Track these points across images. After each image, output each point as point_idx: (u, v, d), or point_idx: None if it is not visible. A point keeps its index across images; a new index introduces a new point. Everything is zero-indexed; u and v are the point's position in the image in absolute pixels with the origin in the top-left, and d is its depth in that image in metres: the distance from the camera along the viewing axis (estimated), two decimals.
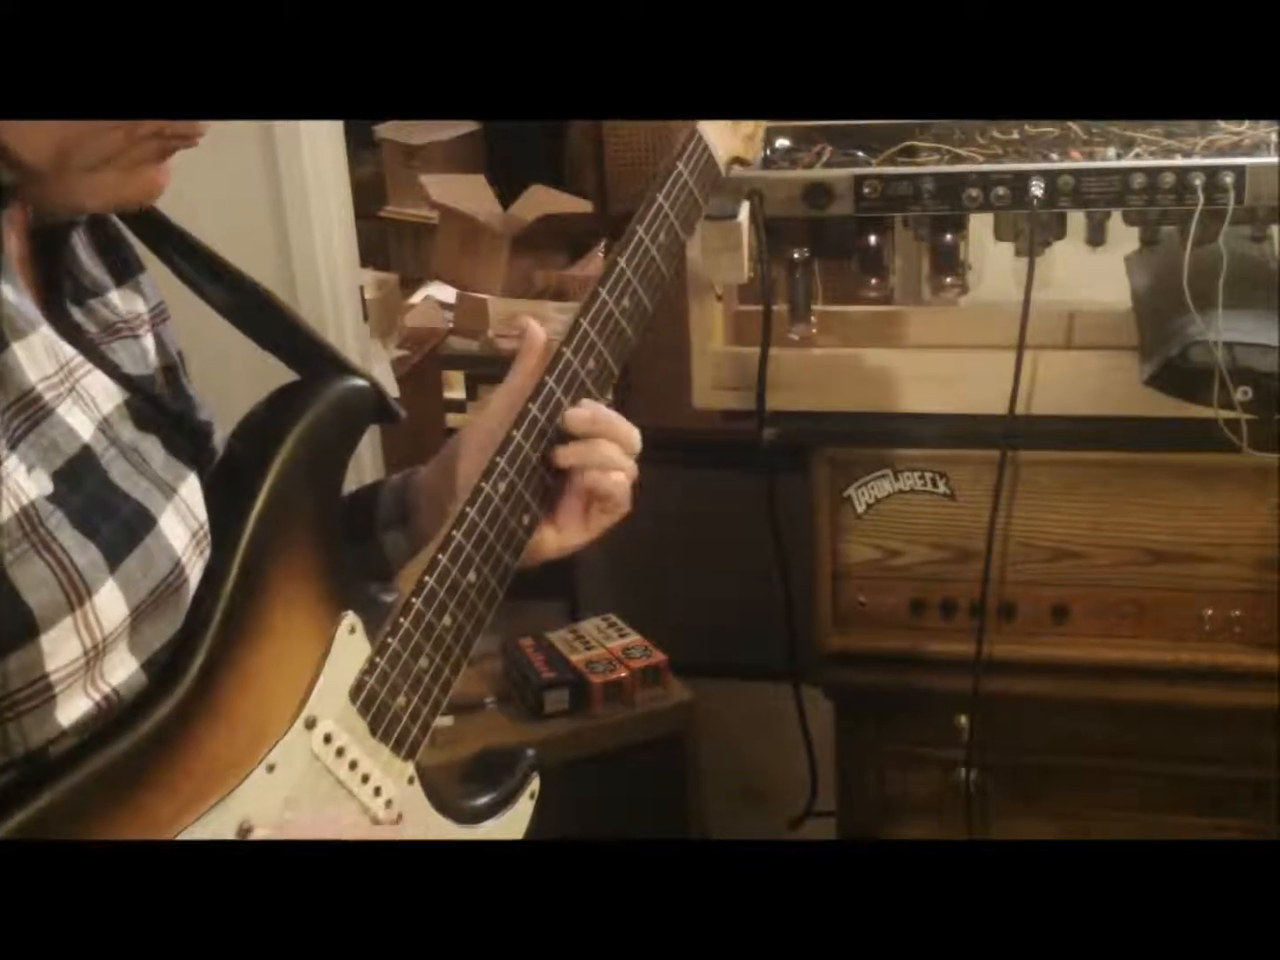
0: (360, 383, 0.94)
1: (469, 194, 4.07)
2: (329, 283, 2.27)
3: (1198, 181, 1.48)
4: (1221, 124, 1.59)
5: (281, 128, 2.14)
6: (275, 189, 2.19)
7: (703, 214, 1.21)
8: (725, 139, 1.25)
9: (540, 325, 1.08)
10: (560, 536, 1.05)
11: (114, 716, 0.79)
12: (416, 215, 4.27)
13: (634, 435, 1.05)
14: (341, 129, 2.29)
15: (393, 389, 2.87)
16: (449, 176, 4.22)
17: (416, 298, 3.91)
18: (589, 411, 1.03)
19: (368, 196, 3.81)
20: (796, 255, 1.63)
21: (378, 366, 2.81)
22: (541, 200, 3.94)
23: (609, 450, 1.03)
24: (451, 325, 3.70)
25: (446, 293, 3.93)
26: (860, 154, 1.65)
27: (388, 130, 4.37)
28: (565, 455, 1.02)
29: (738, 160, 1.35)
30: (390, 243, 4.36)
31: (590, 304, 1.07)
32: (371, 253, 3.57)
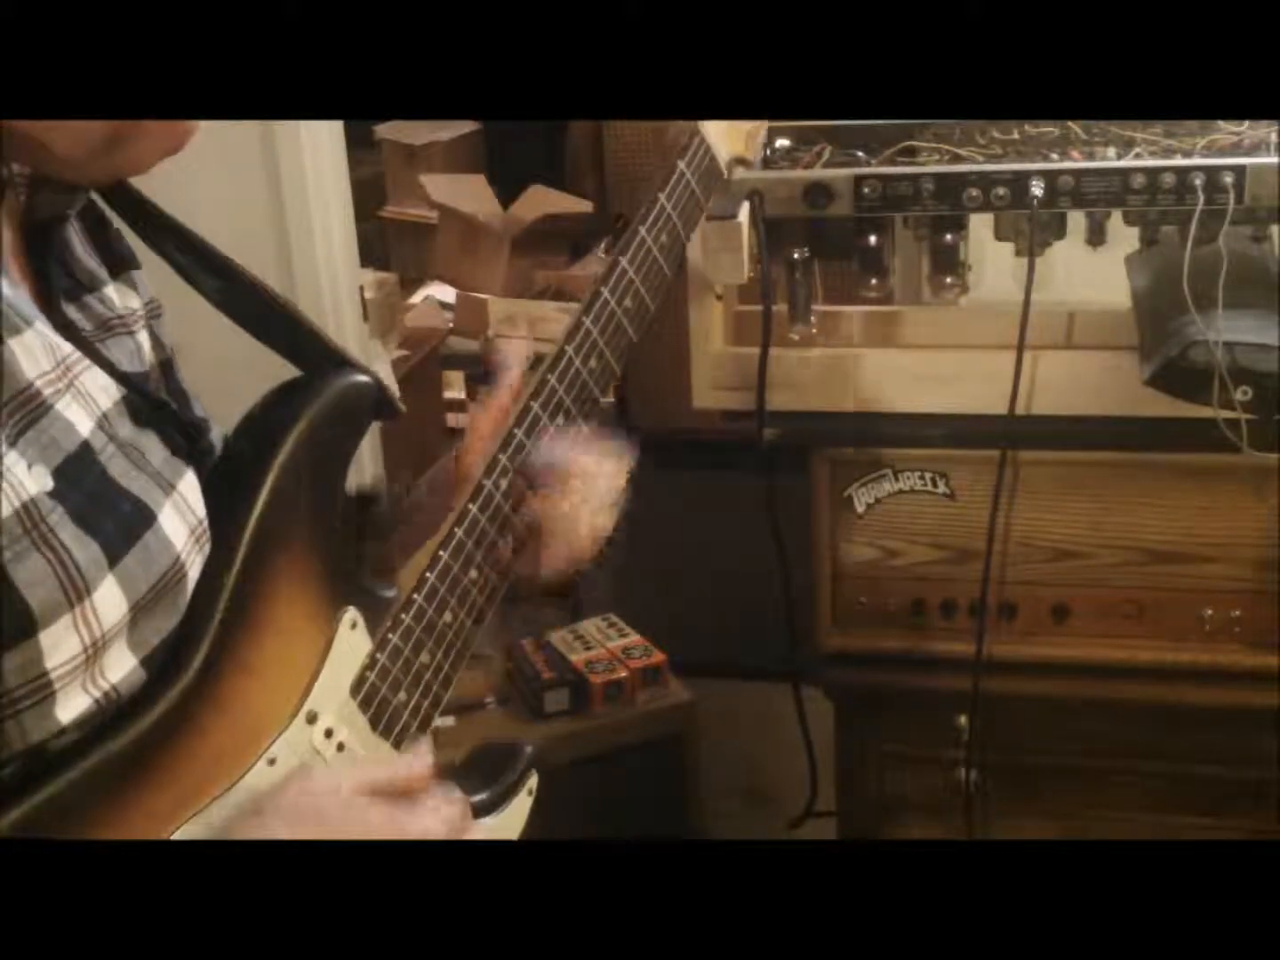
0: (362, 378, 0.94)
1: (469, 194, 4.06)
2: (329, 283, 2.27)
3: (1198, 181, 1.48)
4: (1221, 124, 1.59)
5: (281, 128, 2.14)
6: (275, 189, 2.19)
7: (704, 214, 1.21)
8: (727, 138, 1.25)
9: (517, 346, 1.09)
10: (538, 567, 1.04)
11: (114, 710, 0.79)
12: (416, 215, 4.27)
13: (611, 483, 1.04)
14: (341, 129, 2.29)
15: (392, 389, 2.87)
16: (449, 176, 4.22)
17: (416, 298, 3.91)
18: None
19: (368, 196, 3.80)
20: (796, 255, 1.63)
21: (378, 366, 2.81)
22: (541, 200, 3.93)
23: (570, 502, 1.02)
24: (451, 325, 3.70)
25: (446, 293, 3.92)
26: (860, 154, 1.65)
27: (388, 130, 4.37)
28: (530, 505, 1.02)
29: (739, 160, 1.35)
30: (390, 243, 4.35)
31: (593, 303, 1.07)
32: (371, 253, 3.57)
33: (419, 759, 0.89)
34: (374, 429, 2.39)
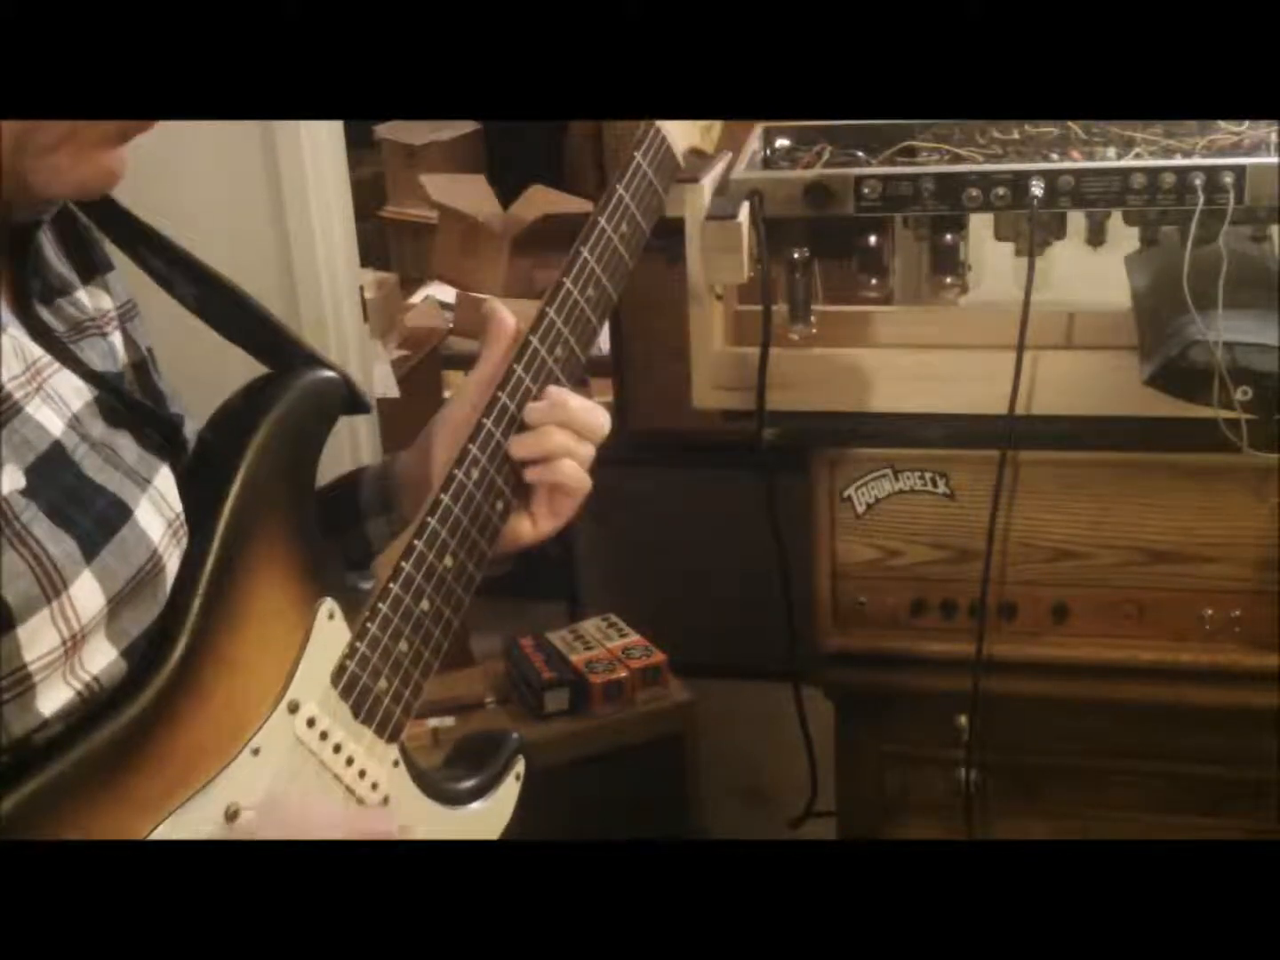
0: (330, 374, 0.96)
1: (469, 194, 4.07)
2: (329, 283, 2.27)
3: (1198, 181, 1.48)
4: (1221, 124, 1.59)
5: (281, 128, 2.14)
6: (275, 189, 2.19)
7: (664, 204, 1.23)
8: (683, 131, 1.27)
9: (508, 313, 1.09)
10: (535, 525, 1.06)
11: (97, 703, 0.80)
12: (416, 215, 4.28)
13: (592, 417, 1.05)
14: (341, 129, 2.29)
15: (393, 389, 2.87)
16: (449, 176, 4.22)
17: (416, 298, 3.91)
18: (545, 401, 1.04)
19: (368, 196, 3.81)
20: (796, 255, 1.63)
21: (378, 366, 2.81)
22: (541, 200, 3.93)
23: (558, 438, 1.03)
24: (451, 325, 3.70)
25: (446, 293, 3.93)
26: (860, 154, 1.65)
27: (388, 130, 4.37)
28: (517, 448, 1.03)
29: (695, 151, 1.36)
30: (390, 243, 4.36)
31: (555, 293, 1.09)
32: (371, 253, 3.57)
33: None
34: (373, 431, 2.39)
